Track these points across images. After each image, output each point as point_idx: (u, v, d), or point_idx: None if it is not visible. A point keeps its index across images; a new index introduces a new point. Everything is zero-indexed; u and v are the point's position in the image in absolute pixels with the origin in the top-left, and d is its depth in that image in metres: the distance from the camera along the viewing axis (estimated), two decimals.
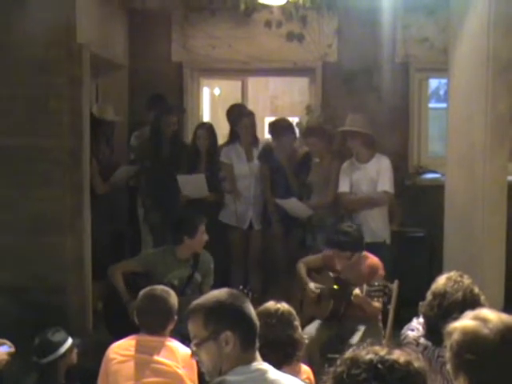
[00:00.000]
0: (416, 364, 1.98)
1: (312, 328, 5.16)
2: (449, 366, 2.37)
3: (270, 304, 3.46)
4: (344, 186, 6.14)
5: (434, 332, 3.21)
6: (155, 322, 3.88)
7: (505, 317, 2.36)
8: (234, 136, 6.76)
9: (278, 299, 3.53)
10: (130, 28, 7.51)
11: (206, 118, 8.58)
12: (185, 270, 5.43)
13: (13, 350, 4.18)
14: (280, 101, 10.24)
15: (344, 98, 7.22)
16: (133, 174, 6.88)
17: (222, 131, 7.40)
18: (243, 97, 7.95)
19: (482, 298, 3.32)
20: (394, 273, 5.31)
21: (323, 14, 7.28)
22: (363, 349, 2.01)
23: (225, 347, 2.52)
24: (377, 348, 2.00)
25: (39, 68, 5.43)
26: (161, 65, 7.53)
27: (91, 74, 6.12)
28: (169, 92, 7.34)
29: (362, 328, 5.13)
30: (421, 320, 3.50)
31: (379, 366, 1.94)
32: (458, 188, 5.40)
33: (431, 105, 8.23)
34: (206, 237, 5.45)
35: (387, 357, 1.96)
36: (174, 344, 3.84)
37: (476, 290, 3.34)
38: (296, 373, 3.35)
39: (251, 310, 2.61)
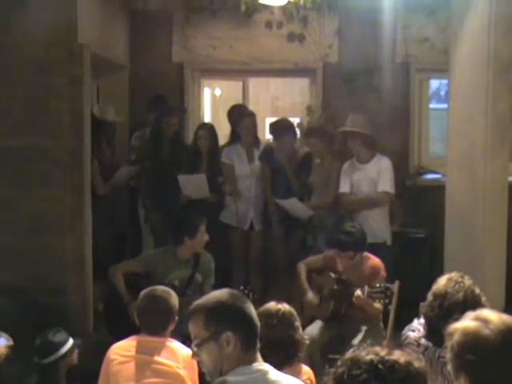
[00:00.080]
0: (416, 364, 1.98)
1: (313, 329, 5.15)
2: (450, 367, 2.37)
3: (271, 304, 3.46)
4: (344, 187, 6.13)
5: (435, 333, 3.21)
6: (156, 322, 3.88)
7: (506, 317, 2.36)
8: (234, 136, 6.76)
9: (279, 300, 3.53)
10: (131, 29, 7.52)
11: (207, 119, 8.59)
12: (185, 270, 5.43)
13: (11, 342, 4.18)
14: (281, 101, 10.25)
15: (345, 98, 7.22)
16: (134, 175, 6.88)
17: (223, 132, 7.40)
18: (244, 97, 7.96)
19: (483, 298, 3.32)
20: (395, 273, 5.30)
21: (324, 14, 7.28)
22: (363, 349, 2.01)
23: (226, 348, 2.51)
24: (377, 348, 2.00)
25: (39, 68, 5.43)
26: (162, 65, 7.53)
27: (92, 75, 6.12)
28: (170, 92, 7.34)
29: (363, 329, 5.13)
30: (422, 321, 3.50)
31: (380, 366, 1.94)
32: (458, 188, 5.39)
33: (432, 105, 8.23)
34: (206, 237, 5.45)
35: (388, 357, 1.96)
36: (175, 344, 3.84)
37: (477, 290, 3.34)
38: (297, 373, 3.34)
39: (252, 311, 2.61)
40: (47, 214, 5.50)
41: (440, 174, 7.04)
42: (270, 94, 10.21)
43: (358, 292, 4.86)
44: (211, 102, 9.42)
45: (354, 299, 4.91)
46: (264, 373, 2.52)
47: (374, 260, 5.23)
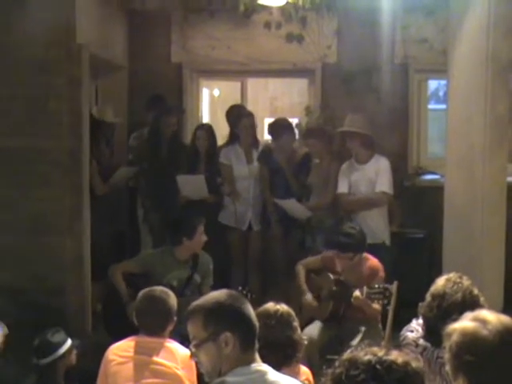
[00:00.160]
0: (414, 364, 1.99)
1: (311, 329, 5.15)
2: (448, 367, 2.38)
3: (270, 305, 3.46)
4: (343, 187, 6.13)
5: (434, 333, 3.21)
6: (154, 323, 3.88)
7: (504, 318, 2.36)
8: (233, 137, 6.76)
9: (278, 300, 3.53)
10: (129, 29, 7.52)
11: (206, 119, 8.59)
12: (184, 270, 5.43)
13: (6, 330, 4.18)
14: (279, 102, 10.25)
15: (343, 98, 7.22)
16: (132, 175, 6.88)
17: (222, 132, 7.40)
18: (242, 98, 7.96)
19: (482, 299, 3.32)
20: (394, 274, 5.30)
21: (323, 14, 7.27)
22: (361, 350, 2.01)
23: (224, 348, 2.52)
24: (375, 349, 2.00)
25: (39, 68, 5.44)
26: (160, 66, 7.53)
27: (91, 75, 6.12)
28: (168, 93, 7.34)
29: (362, 330, 5.13)
30: (420, 321, 3.50)
31: (377, 366, 1.94)
32: (457, 189, 5.39)
33: (431, 106, 8.24)
34: (204, 238, 5.44)
35: (385, 357, 1.97)
36: (174, 345, 3.84)
37: (475, 291, 3.34)
38: (295, 374, 3.34)
39: (251, 311, 2.62)
40: (47, 215, 5.50)
41: (439, 174, 7.04)
42: (268, 95, 10.22)
43: (357, 293, 4.86)
44: (210, 102, 9.42)
45: (352, 300, 4.90)
46: (263, 373, 2.52)
47: (373, 261, 5.23)
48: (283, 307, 3.46)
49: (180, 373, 3.72)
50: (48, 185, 5.49)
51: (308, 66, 7.48)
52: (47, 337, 4.28)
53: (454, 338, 2.32)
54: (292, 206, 6.33)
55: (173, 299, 3.98)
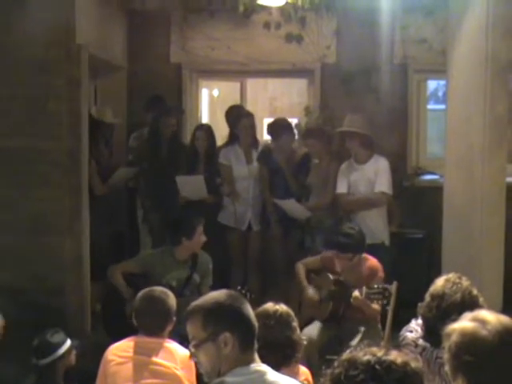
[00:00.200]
0: (413, 364, 1.99)
1: (311, 329, 5.15)
2: (447, 368, 2.38)
3: (269, 305, 3.46)
4: (342, 187, 6.13)
5: (433, 333, 3.22)
6: (154, 323, 3.88)
7: (503, 318, 2.36)
8: (233, 137, 6.76)
9: (277, 300, 3.53)
10: (128, 29, 7.52)
11: (205, 120, 8.59)
12: (183, 271, 5.43)
13: (2, 322, 4.18)
14: (279, 102, 10.26)
15: (342, 99, 7.22)
16: (131, 176, 6.88)
17: (221, 132, 7.40)
18: (242, 98, 7.96)
19: (481, 299, 3.33)
20: (393, 274, 5.30)
21: (322, 15, 7.28)
22: (360, 350, 2.01)
23: (223, 348, 2.52)
24: (374, 349, 2.00)
25: (39, 68, 5.43)
26: (160, 66, 7.53)
27: (90, 76, 6.12)
28: (167, 93, 7.34)
29: (361, 330, 5.13)
30: (419, 321, 3.50)
31: (377, 366, 1.94)
32: (456, 189, 5.39)
33: (430, 106, 8.24)
34: (203, 238, 5.45)
35: (384, 358, 1.97)
36: (173, 345, 3.84)
37: (474, 291, 3.34)
38: (294, 374, 3.34)
39: (250, 311, 2.62)
40: (47, 215, 5.50)
41: (438, 174, 7.04)
42: (268, 95, 10.23)
43: (356, 293, 4.86)
44: (209, 102, 9.43)
45: (352, 300, 4.90)
46: (262, 373, 2.52)
47: (372, 261, 5.23)
48: (282, 307, 3.46)
49: (179, 373, 3.72)
50: (48, 185, 5.49)
51: (307, 67, 7.48)
52: (47, 337, 4.29)
53: (454, 338, 2.33)
54: (291, 206, 6.33)
55: (172, 299, 3.98)
